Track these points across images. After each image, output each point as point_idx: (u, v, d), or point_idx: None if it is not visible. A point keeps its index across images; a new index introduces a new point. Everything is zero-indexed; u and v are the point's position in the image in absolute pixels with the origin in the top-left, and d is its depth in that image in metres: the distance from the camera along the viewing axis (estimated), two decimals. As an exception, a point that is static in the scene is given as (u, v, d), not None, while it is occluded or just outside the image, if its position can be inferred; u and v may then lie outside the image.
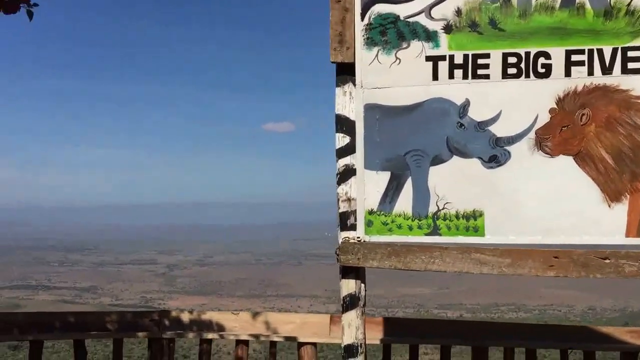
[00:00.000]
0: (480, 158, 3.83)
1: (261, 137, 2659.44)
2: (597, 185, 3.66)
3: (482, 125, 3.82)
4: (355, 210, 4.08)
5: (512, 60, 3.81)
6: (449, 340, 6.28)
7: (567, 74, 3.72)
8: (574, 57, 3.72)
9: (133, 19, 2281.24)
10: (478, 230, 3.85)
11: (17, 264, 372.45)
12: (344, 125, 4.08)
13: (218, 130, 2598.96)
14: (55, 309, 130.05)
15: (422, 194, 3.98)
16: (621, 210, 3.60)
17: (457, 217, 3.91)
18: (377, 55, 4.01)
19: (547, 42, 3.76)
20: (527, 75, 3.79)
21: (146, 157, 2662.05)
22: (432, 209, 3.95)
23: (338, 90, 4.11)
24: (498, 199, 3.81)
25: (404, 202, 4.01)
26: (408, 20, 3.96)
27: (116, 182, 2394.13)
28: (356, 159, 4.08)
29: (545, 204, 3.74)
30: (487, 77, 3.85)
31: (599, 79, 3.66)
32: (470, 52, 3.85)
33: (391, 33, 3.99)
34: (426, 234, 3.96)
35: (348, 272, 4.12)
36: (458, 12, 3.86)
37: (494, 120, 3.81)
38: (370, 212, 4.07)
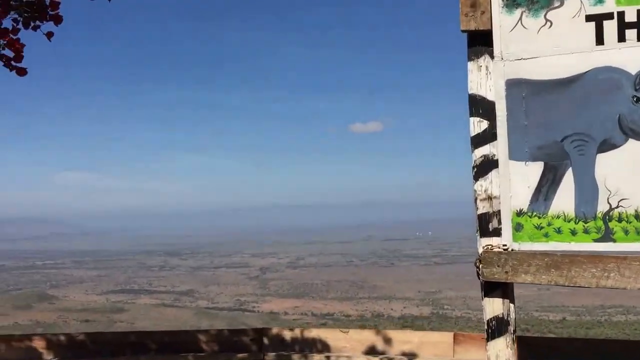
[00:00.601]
0: None
1: (348, 138, 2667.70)
2: None
3: None
4: (499, 212, 3.38)
5: None
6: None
7: None
8: None
9: (221, 25, 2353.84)
10: None
11: (121, 269, 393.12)
12: (480, 107, 3.40)
13: (305, 132, 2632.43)
14: (156, 313, 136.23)
15: (587, 189, 3.16)
16: None
17: (636, 217, 3.03)
18: (520, 19, 3.29)
19: None
20: None
21: (238, 162, 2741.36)
22: (602, 207, 3.12)
23: (471, 65, 3.46)
24: None
25: (564, 200, 3.22)
26: None
27: (211, 188, 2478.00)
28: (498, 148, 3.38)
29: None
30: None
31: None
32: None
33: None
34: (595, 240, 3.14)
35: (493, 289, 3.42)
36: None
37: None
38: (519, 213, 3.32)
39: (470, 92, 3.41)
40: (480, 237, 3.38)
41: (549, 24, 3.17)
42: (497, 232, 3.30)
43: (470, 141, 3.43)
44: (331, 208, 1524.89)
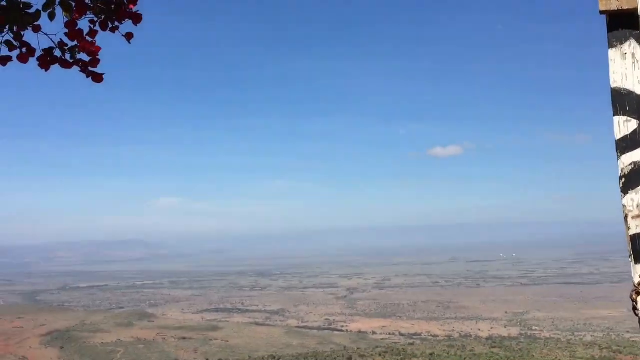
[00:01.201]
0: None
1: (428, 162, 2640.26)
2: None
3: None
4: (658, 231, 2.41)
5: None
6: None
7: None
8: None
9: (300, 52, 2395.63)
10: None
11: (215, 289, 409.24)
12: (627, 103, 2.66)
13: (386, 156, 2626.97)
14: (249, 332, 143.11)
15: None
16: None
17: None
18: None
19: None
20: None
21: (322, 186, 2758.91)
22: None
23: (613, 54, 2.74)
24: None
25: None
26: None
27: (298, 211, 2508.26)
28: None
29: None
30: None
31: None
32: None
33: None
34: None
35: (656, 329, 2.41)
36: None
37: None
38: None
39: (613, 85, 2.78)
40: (636, 263, 2.71)
41: None
42: (656, 257, 2.42)
43: (615, 146, 2.79)
44: (414, 231, 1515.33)
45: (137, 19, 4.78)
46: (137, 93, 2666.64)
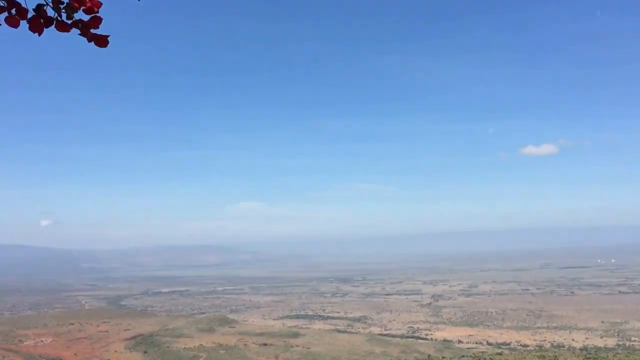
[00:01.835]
0: None
1: (519, 162, 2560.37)
2: None
3: None
4: None
5: None
6: None
7: None
8: None
9: (381, 50, 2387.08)
10: None
11: (296, 295, 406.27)
12: None
13: (475, 157, 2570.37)
14: (330, 339, 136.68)
15: None
16: None
17: None
18: None
19: None
20: None
21: (405, 189, 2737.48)
22: None
23: None
24: None
25: None
26: None
27: (380, 216, 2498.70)
28: None
29: None
30: None
31: None
32: None
33: None
34: None
35: None
36: None
37: None
38: None
39: None
40: None
41: None
42: None
43: None
44: (503, 235, 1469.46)
45: None
46: (215, 97, 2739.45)
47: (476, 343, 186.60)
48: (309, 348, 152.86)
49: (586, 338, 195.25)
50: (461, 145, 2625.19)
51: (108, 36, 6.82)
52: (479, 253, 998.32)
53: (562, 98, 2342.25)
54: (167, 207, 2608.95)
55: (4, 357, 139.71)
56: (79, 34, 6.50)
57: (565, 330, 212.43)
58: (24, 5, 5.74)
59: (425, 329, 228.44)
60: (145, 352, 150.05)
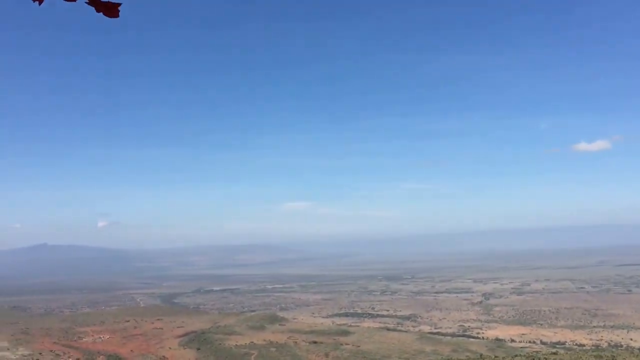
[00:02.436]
0: None
1: (572, 158, 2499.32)
2: None
3: None
4: None
5: None
6: None
7: None
8: None
9: (433, 50, 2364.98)
10: None
11: (345, 293, 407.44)
12: None
13: (524, 153, 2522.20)
14: (380, 337, 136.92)
15: None
16: None
17: None
18: None
19: None
20: None
21: (454, 187, 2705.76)
22: None
23: None
24: None
25: None
26: None
27: (429, 214, 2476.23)
28: None
29: None
30: None
31: None
32: None
33: None
34: None
35: None
36: None
37: None
38: None
39: None
40: None
41: None
42: None
43: None
44: (556, 232, 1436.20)
45: None
46: (264, 98, 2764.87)
47: (529, 342, 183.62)
48: (358, 346, 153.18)
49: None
50: (511, 142, 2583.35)
51: (119, 4, 6.35)
52: (530, 251, 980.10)
53: (615, 93, 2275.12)
54: (217, 208, 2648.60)
55: (64, 353, 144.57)
56: (87, 3, 6.17)
57: (622, 329, 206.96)
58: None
59: (477, 328, 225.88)
60: (198, 349, 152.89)
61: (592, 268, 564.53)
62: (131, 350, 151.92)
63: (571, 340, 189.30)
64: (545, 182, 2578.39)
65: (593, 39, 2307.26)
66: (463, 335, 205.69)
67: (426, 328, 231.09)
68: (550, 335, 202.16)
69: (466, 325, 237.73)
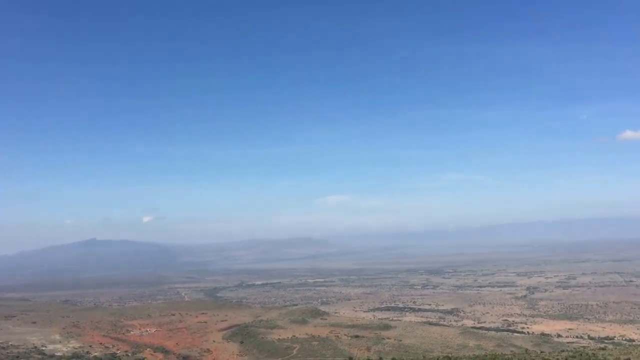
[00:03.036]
0: None
1: (617, 148, 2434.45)
2: None
3: None
4: None
5: None
6: None
7: None
8: None
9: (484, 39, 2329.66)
10: None
11: (386, 287, 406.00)
12: None
13: (569, 143, 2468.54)
14: (422, 331, 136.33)
15: None
16: None
17: None
18: None
19: None
20: None
21: (497, 178, 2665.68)
22: None
23: None
24: None
25: None
26: None
27: (471, 205, 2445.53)
28: None
29: None
30: None
31: None
32: None
33: None
34: None
35: None
36: None
37: None
38: None
39: None
40: None
41: None
42: None
43: None
44: (603, 224, 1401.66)
45: None
46: (305, 93, 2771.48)
47: (576, 337, 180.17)
48: (400, 340, 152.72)
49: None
50: (554, 132, 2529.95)
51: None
52: (575, 243, 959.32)
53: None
54: (258, 202, 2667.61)
55: (113, 345, 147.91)
56: None
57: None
58: None
59: (521, 322, 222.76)
60: (242, 342, 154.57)
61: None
62: (176, 344, 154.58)
63: (620, 335, 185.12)
64: (590, 172, 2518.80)
65: (636, 28, 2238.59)
66: (507, 330, 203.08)
67: (469, 322, 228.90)
68: (598, 330, 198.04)
69: (510, 319, 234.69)
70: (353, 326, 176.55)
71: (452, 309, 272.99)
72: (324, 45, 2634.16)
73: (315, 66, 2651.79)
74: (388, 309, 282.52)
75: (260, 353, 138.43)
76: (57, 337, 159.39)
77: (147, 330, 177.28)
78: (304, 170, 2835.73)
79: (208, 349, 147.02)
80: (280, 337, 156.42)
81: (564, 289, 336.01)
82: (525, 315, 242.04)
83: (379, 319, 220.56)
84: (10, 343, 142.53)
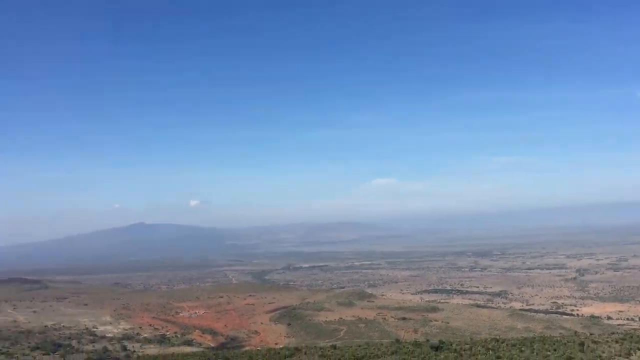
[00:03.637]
0: None
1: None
2: None
3: None
4: None
5: None
6: None
7: None
8: None
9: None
10: None
11: (433, 270, 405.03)
12: None
13: (622, 123, 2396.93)
14: (469, 313, 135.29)
15: None
16: None
17: None
18: None
19: None
20: None
21: (547, 159, 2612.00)
22: None
23: None
24: None
25: None
26: None
27: (518, 188, 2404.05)
28: None
29: None
30: None
31: None
32: None
33: None
34: None
35: None
36: None
37: None
38: None
39: None
40: None
41: None
42: None
43: None
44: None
45: None
46: (351, 77, 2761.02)
47: (627, 319, 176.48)
48: (448, 323, 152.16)
49: None
50: (609, 113, 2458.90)
51: None
52: (627, 225, 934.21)
53: None
54: (304, 186, 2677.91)
55: (162, 327, 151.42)
56: None
57: None
58: None
59: (571, 305, 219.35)
60: (289, 324, 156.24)
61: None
62: (225, 325, 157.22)
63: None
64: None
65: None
66: (556, 312, 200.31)
67: (517, 305, 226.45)
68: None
69: (559, 302, 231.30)
70: (400, 308, 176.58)
71: (500, 291, 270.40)
72: (372, 32, 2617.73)
73: (360, 47, 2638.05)
74: (435, 291, 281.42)
75: (307, 335, 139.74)
76: (108, 318, 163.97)
77: (195, 312, 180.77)
78: (349, 154, 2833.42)
79: (256, 331, 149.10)
80: (327, 319, 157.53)
81: (614, 271, 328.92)
82: (575, 298, 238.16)
83: (426, 301, 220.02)
84: (62, 324, 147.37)
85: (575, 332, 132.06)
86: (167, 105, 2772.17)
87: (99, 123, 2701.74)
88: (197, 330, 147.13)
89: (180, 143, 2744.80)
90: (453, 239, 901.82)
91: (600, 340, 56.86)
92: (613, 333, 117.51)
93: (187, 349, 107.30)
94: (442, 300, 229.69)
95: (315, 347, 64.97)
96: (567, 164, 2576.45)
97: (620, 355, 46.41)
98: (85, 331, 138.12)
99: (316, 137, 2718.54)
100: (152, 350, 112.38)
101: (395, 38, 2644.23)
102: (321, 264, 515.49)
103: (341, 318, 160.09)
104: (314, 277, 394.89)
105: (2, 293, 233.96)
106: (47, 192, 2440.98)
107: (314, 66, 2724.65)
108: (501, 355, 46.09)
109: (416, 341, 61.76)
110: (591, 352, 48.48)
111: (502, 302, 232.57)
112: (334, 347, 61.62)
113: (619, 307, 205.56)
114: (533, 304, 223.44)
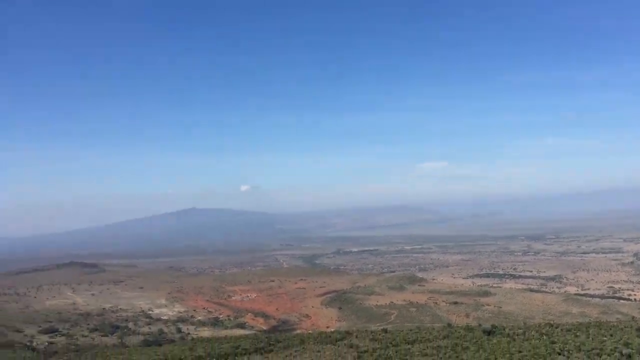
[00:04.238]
0: None
1: None
2: None
3: None
4: None
5: None
6: None
7: None
8: None
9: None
10: None
11: (485, 254, 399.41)
12: None
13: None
14: (522, 298, 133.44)
15: None
16: None
17: None
18: None
19: None
20: None
21: (601, 141, 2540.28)
22: None
23: None
24: None
25: None
26: None
27: (573, 170, 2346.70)
28: None
29: None
30: None
31: None
32: None
33: None
34: None
35: None
36: None
37: None
38: None
39: None
40: None
41: None
42: None
43: None
44: None
45: None
46: (404, 61, 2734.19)
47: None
48: (500, 307, 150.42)
49: None
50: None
51: None
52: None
53: None
54: (354, 170, 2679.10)
55: (215, 310, 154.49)
56: None
57: None
58: None
59: (628, 289, 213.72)
60: (340, 308, 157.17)
61: None
62: (276, 309, 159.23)
63: None
64: None
65: None
66: (613, 297, 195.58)
67: (572, 289, 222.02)
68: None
69: (616, 286, 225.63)
70: (451, 293, 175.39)
71: (555, 275, 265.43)
72: (421, 15, 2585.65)
73: (408, 27, 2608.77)
74: (487, 275, 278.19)
75: (358, 319, 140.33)
76: (163, 301, 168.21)
77: (247, 296, 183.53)
78: (399, 138, 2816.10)
79: (307, 314, 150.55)
80: (378, 303, 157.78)
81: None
82: (632, 282, 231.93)
83: (478, 285, 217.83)
84: (119, 307, 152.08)
85: (633, 317, 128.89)
86: (217, 91, 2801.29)
87: (153, 110, 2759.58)
88: (249, 314, 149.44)
89: (231, 128, 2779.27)
90: (505, 222, 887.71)
91: (659, 325, 55.49)
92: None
93: (240, 332, 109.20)
94: (494, 285, 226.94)
95: (366, 330, 65.27)
96: (620, 146, 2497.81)
97: (680, 341, 45.18)
98: (141, 313, 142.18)
99: (366, 120, 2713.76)
100: (206, 332, 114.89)
101: (448, 23, 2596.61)
102: (371, 248, 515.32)
103: (392, 302, 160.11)
104: (364, 261, 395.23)
105: (61, 277, 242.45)
106: (103, 177, 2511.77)
107: (368, 50, 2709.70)
108: (555, 340, 45.36)
109: (468, 325, 61.31)
110: (650, 337, 47.35)
111: (557, 287, 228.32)
112: (385, 330, 61.74)
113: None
114: (589, 289, 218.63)
